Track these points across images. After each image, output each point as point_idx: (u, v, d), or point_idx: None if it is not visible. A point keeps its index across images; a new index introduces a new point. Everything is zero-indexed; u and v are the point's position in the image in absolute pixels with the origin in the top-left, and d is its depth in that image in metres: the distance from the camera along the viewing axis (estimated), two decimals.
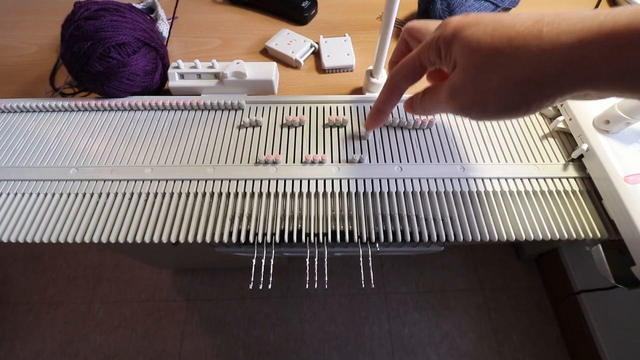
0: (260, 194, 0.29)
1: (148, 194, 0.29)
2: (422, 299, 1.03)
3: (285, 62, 0.43)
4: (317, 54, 0.44)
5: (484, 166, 0.31)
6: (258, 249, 0.27)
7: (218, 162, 0.31)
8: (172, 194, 0.29)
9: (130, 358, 0.96)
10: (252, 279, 0.25)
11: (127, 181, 0.30)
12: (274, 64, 0.37)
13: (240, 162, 0.31)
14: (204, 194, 0.29)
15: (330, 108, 0.35)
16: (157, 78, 0.37)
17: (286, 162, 0.31)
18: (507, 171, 0.31)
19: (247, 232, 0.27)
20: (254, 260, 0.26)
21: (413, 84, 0.24)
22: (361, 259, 0.27)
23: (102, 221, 0.28)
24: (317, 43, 0.44)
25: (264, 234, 0.27)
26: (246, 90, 0.37)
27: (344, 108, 0.35)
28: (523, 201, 0.29)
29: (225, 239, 0.27)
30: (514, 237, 0.27)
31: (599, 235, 0.27)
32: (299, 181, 0.30)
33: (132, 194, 0.29)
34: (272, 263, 0.26)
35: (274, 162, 0.30)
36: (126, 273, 1.09)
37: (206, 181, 0.30)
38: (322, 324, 1.00)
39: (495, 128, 0.34)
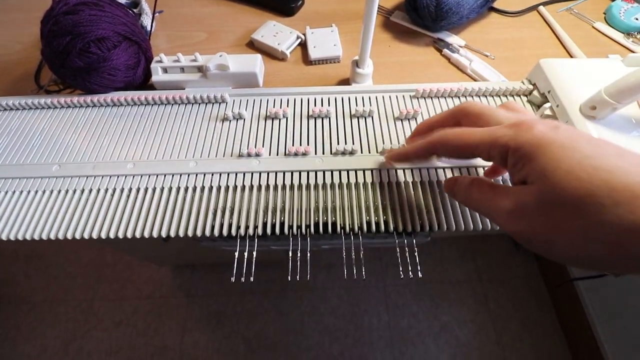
0: (243, 187, 0.29)
1: (130, 189, 0.29)
2: (421, 290, 1.03)
3: (271, 54, 0.43)
4: (303, 45, 0.43)
5: None
6: (241, 242, 0.27)
7: (201, 156, 0.31)
8: (154, 189, 0.29)
9: (132, 354, 0.97)
10: (235, 272, 0.25)
11: (110, 177, 0.30)
12: (258, 56, 0.37)
13: (223, 156, 0.31)
14: (187, 189, 0.29)
15: (315, 99, 0.34)
16: (140, 73, 0.36)
17: (269, 155, 0.31)
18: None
19: (230, 225, 0.27)
20: (236, 254, 0.26)
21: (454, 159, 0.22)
22: (344, 251, 0.26)
23: (84, 218, 0.28)
24: (304, 34, 0.43)
25: (247, 227, 0.27)
26: (230, 84, 0.36)
27: (328, 99, 0.35)
28: None
29: (208, 233, 0.27)
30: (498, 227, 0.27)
31: None
32: (282, 173, 0.29)
33: (114, 190, 0.29)
34: (254, 256, 0.26)
35: (257, 155, 0.30)
36: (126, 270, 1.10)
37: (188, 175, 0.30)
38: (322, 317, 1.00)
39: None
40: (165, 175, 0.30)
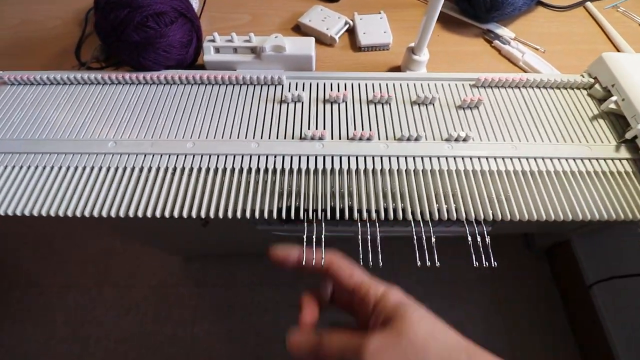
0: (308, 170, 0.28)
1: (192, 169, 0.28)
2: (432, 288, 1.03)
3: (319, 39, 0.42)
4: (351, 31, 0.42)
5: (535, 146, 0.30)
6: (308, 226, 0.26)
7: (262, 137, 0.30)
8: (216, 169, 0.28)
9: (141, 342, 0.96)
10: (304, 256, 0.24)
11: (169, 155, 0.29)
12: (312, 39, 0.36)
13: (284, 138, 0.30)
14: (250, 170, 0.28)
15: (373, 85, 0.34)
16: (191, 52, 0.35)
17: (332, 139, 0.30)
18: (558, 151, 0.30)
19: (295, 208, 0.27)
20: (304, 237, 0.25)
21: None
22: (415, 237, 0.26)
23: (145, 196, 0.27)
24: (352, 20, 0.42)
25: (313, 211, 0.26)
26: (283, 66, 0.35)
27: (387, 85, 0.34)
28: (576, 181, 0.28)
29: (274, 215, 0.26)
30: (569, 217, 0.27)
31: None
32: (346, 157, 0.29)
33: (175, 169, 0.28)
34: (323, 241, 0.26)
35: (320, 138, 0.29)
36: (136, 259, 1.09)
37: (251, 156, 0.29)
38: (332, 311, 1.00)
39: (544, 108, 0.33)
40: (226, 156, 0.29)
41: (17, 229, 1.14)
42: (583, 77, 0.34)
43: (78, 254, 1.09)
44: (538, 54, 0.40)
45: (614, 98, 0.32)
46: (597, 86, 0.33)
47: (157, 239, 0.78)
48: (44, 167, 0.29)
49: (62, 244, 1.11)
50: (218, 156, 0.29)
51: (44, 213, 0.27)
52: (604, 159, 0.30)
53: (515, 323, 0.98)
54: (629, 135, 0.30)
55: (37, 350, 0.94)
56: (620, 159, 0.30)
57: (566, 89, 0.34)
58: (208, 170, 0.28)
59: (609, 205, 0.27)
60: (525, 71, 0.39)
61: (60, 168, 0.29)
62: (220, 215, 0.26)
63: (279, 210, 0.26)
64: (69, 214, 0.27)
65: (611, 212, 0.27)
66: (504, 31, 0.42)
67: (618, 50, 0.42)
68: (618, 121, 0.32)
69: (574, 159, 0.29)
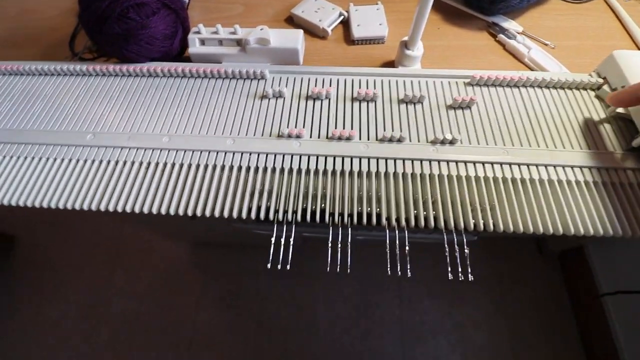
0: (282, 170, 0.27)
1: (165, 164, 0.28)
2: (436, 288, 1.01)
3: (311, 31, 0.40)
4: (345, 23, 0.41)
5: (529, 151, 0.28)
6: (277, 227, 0.25)
7: (238, 134, 0.29)
8: (189, 165, 0.28)
9: (146, 325, 1.00)
10: (270, 258, 0.24)
11: (145, 149, 0.29)
12: (300, 31, 0.35)
13: (262, 135, 0.29)
14: (223, 167, 0.28)
15: (360, 81, 0.32)
16: (176, 44, 0.35)
17: (310, 137, 0.29)
18: (554, 157, 0.27)
19: (267, 208, 0.26)
20: (272, 239, 0.25)
21: None
22: (388, 244, 0.25)
23: (117, 190, 0.27)
24: (347, 11, 0.40)
25: (285, 212, 0.25)
26: (269, 60, 0.34)
27: (374, 81, 0.32)
28: (572, 191, 0.26)
29: (243, 215, 0.26)
30: (560, 231, 0.25)
31: None
32: (323, 158, 0.27)
33: (149, 163, 0.28)
34: (291, 242, 0.25)
35: (298, 136, 0.28)
36: (145, 243, 1.12)
37: (225, 153, 0.28)
38: (334, 306, 1.00)
39: (544, 110, 0.30)
40: (201, 152, 0.28)
41: (35, 210, 1.18)
42: (591, 76, 0.32)
43: (92, 236, 1.14)
44: (547, 50, 0.37)
45: None
46: (605, 87, 0.30)
47: (162, 226, 0.79)
48: (25, 158, 0.29)
49: (77, 226, 1.15)
50: (193, 152, 0.28)
51: (21, 203, 0.27)
52: (606, 168, 0.27)
53: (520, 327, 0.95)
54: (635, 143, 0.27)
55: (51, 326, 0.99)
56: (625, 169, 0.27)
57: (571, 89, 0.31)
58: (181, 166, 0.28)
59: (606, 220, 0.25)
60: (530, 69, 0.36)
61: (40, 159, 0.29)
62: (190, 212, 0.26)
63: (249, 210, 0.26)
64: (44, 205, 0.27)
65: (608, 228, 0.25)
66: (510, 24, 0.40)
67: (639, 48, 0.38)
68: (627, 127, 0.29)
69: (571, 167, 0.27)
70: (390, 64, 0.37)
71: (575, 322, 0.94)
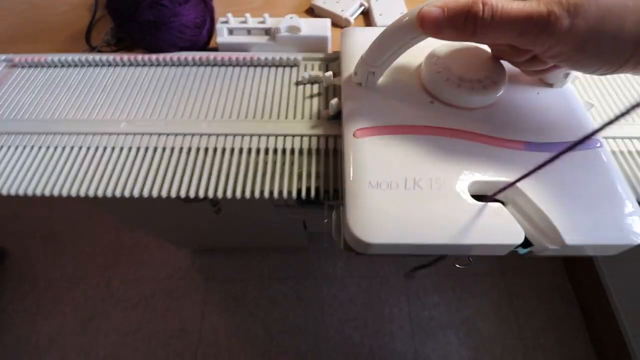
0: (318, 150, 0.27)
1: (207, 149, 0.28)
2: (443, 282, 1.02)
3: (333, 21, 0.40)
4: (366, 13, 0.41)
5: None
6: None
7: (278, 118, 0.29)
8: (232, 149, 0.27)
9: (150, 335, 0.96)
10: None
11: (184, 135, 0.28)
12: (328, 20, 0.35)
13: (302, 118, 0.29)
14: (267, 150, 0.27)
15: None
16: (205, 33, 0.34)
17: None
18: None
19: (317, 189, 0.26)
20: None
21: None
22: None
23: (160, 175, 0.26)
24: (367, 1, 0.41)
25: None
26: (298, 49, 0.34)
27: None
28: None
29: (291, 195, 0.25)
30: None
31: None
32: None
33: (189, 148, 0.28)
34: None
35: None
36: (144, 252, 1.09)
37: (268, 137, 0.28)
38: (342, 305, 0.99)
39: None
40: (243, 136, 0.28)
41: (26, 223, 1.14)
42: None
43: (87, 248, 1.10)
44: None
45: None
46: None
47: (167, 229, 0.78)
48: (56, 148, 0.28)
49: (71, 238, 1.11)
50: (234, 136, 0.28)
51: (54, 193, 0.26)
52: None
53: (527, 318, 0.96)
54: (331, 110, 0.28)
55: (47, 343, 0.95)
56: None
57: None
58: (224, 150, 0.28)
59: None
60: None
61: (72, 148, 0.28)
62: (247, 195, 0.25)
63: (299, 191, 0.26)
64: (82, 194, 0.26)
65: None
66: None
67: None
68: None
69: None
70: None
71: (578, 307, 0.96)
